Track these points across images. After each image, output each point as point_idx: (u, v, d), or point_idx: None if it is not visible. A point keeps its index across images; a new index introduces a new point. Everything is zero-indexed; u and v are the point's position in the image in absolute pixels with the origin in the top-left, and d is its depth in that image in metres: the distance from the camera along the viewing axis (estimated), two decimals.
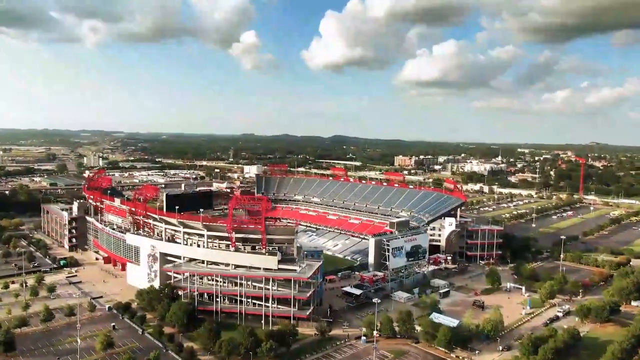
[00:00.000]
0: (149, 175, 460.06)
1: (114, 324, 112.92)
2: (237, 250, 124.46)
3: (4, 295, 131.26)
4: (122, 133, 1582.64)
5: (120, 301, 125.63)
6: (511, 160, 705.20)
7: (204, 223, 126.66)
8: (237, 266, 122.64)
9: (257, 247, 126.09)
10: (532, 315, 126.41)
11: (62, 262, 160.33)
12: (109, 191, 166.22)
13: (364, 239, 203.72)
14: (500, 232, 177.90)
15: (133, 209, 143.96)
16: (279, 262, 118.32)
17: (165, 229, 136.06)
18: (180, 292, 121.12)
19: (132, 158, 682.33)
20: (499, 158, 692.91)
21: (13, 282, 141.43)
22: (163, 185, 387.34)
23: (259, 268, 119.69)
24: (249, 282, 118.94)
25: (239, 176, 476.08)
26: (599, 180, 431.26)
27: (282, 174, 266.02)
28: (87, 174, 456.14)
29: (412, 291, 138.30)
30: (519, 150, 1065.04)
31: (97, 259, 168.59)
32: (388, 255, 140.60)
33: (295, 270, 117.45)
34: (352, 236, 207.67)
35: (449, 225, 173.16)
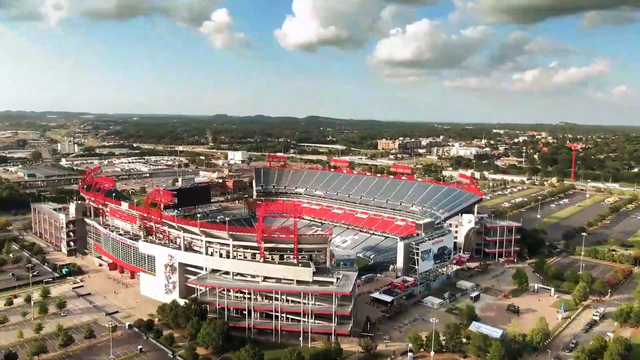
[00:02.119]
0: (130, 163, 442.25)
1: (140, 346, 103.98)
2: (266, 260, 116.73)
3: (9, 313, 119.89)
4: (91, 115, 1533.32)
5: (140, 317, 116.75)
6: (491, 142, 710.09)
7: (230, 232, 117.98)
8: (266, 278, 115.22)
9: (285, 256, 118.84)
10: (569, 320, 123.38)
11: (64, 271, 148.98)
12: (113, 194, 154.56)
13: (373, 234, 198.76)
14: (518, 228, 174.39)
15: (145, 215, 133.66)
16: (314, 273, 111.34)
17: (184, 237, 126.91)
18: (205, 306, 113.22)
19: (107, 143, 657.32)
20: (483, 141, 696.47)
21: (15, 297, 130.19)
22: (148, 175, 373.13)
23: (291, 280, 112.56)
24: (283, 297, 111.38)
25: (224, 163, 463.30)
26: (584, 164, 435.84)
27: (281, 165, 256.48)
28: (63, 162, 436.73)
29: (442, 296, 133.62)
30: (494, 131, 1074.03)
31: (100, 265, 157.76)
32: (417, 259, 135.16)
33: (332, 282, 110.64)
34: (361, 231, 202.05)
35: (468, 222, 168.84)
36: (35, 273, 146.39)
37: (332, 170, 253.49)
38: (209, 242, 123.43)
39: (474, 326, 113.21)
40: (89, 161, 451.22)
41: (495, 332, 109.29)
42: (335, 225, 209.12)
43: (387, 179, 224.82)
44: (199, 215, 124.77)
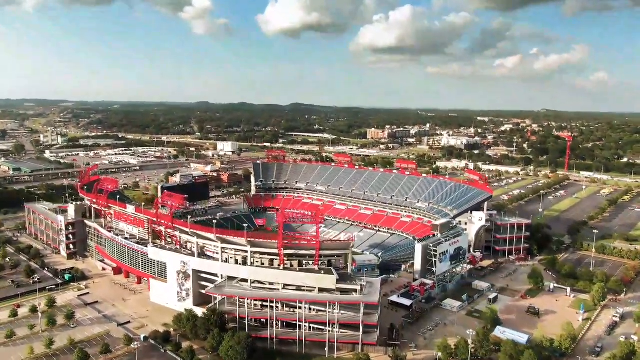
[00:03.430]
0: (117, 154, 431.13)
1: None
2: (286, 268, 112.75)
3: (15, 326, 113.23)
4: (69, 102, 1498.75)
5: (155, 328, 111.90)
6: (479, 131, 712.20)
7: (249, 239, 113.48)
8: (285, 285, 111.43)
9: (304, 263, 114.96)
10: (590, 322, 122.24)
11: (67, 276, 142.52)
12: (118, 196, 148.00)
13: (378, 231, 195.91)
14: (528, 225, 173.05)
15: (155, 219, 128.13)
16: (337, 280, 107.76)
17: (197, 242, 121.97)
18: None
19: (91, 133, 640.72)
20: (472, 130, 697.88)
21: (19, 306, 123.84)
22: (138, 168, 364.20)
23: (313, 288, 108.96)
24: (306, 306, 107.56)
25: (214, 154, 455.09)
26: (574, 154, 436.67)
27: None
28: (47, 154, 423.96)
29: (461, 298, 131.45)
30: (479, 118, 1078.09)
31: (104, 269, 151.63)
32: (435, 261, 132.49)
33: (355, 289, 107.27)
34: (366, 228, 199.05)
35: (479, 220, 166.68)
36: (36, 279, 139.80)
37: (333, 164, 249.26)
38: (223, 247, 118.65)
39: (499, 331, 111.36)
40: (74, 153, 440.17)
41: (521, 338, 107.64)
42: (339, 222, 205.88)
43: (390, 174, 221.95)
44: (215, 221, 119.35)
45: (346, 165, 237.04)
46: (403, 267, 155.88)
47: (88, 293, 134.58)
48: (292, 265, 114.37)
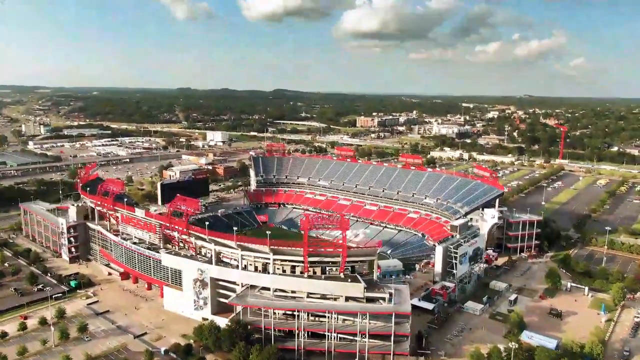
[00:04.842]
0: (104, 145, 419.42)
1: None
2: (310, 276, 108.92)
3: (26, 340, 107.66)
4: (47, 89, 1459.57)
5: (173, 340, 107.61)
6: (467, 118, 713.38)
7: (272, 247, 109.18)
8: (309, 294, 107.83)
9: (327, 269, 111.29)
10: (613, 323, 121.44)
11: (73, 283, 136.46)
12: (125, 199, 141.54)
13: (385, 227, 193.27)
14: (539, 221, 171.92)
15: (168, 225, 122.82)
16: (365, 289, 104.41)
17: (214, 249, 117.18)
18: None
19: (73, 122, 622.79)
20: (460, 118, 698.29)
21: (26, 317, 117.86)
22: (128, 160, 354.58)
23: (339, 296, 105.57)
24: (334, 316, 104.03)
25: (204, 145, 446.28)
26: (566, 142, 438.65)
27: (280, 153, 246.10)
28: (31, 145, 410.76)
29: (482, 300, 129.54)
30: (463, 105, 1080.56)
31: (110, 274, 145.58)
32: (455, 263, 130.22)
33: (384, 298, 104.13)
34: (372, 224, 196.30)
35: (492, 217, 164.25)
36: (40, 287, 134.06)
37: (335, 158, 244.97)
38: (243, 254, 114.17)
39: (526, 336, 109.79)
40: (59, 144, 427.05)
41: (550, 342, 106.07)
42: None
43: (395, 169, 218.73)
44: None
45: (349, 160, 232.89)
46: (417, 267, 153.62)
47: (98, 301, 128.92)
48: (314, 273, 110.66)
